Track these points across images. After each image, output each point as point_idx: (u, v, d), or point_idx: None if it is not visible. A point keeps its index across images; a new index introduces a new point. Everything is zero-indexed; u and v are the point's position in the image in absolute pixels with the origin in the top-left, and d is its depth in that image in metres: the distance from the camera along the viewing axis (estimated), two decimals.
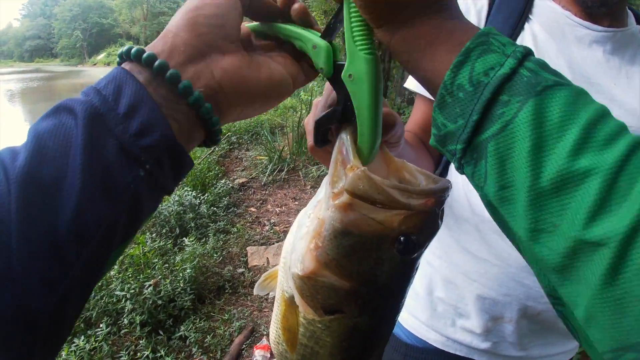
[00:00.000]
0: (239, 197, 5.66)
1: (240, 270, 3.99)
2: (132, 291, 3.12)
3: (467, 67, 0.39)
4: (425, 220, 0.48)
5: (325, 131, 0.56)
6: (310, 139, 0.61)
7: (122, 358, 2.79)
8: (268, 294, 0.72)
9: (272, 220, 5.04)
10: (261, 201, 5.60)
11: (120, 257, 3.44)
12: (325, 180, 0.53)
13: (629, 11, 1.06)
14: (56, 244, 0.37)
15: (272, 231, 4.77)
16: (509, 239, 0.41)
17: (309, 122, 0.64)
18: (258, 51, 0.55)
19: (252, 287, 3.76)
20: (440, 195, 0.48)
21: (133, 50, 0.44)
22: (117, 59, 0.47)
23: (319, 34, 0.53)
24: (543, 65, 0.38)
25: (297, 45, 0.54)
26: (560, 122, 0.35)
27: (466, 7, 1.07)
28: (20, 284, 0.35)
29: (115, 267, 3.34)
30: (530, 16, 1.05)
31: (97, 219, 0.39)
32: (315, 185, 5.98)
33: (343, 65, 0.50)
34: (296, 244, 0.53)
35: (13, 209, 0.36)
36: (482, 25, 1.03)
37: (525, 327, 1.10)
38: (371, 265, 0.48)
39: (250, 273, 3.94)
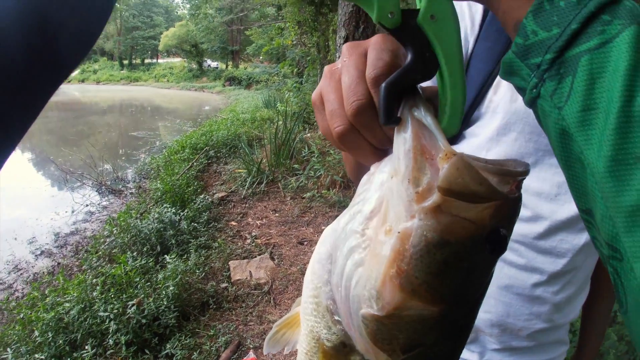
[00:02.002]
0: (219, 211, 5.68)
1: (224, 285, 4.01)
2: (116, 311, 3.12)
3: None
4: (513, 208, 0.41)
5: (395, 102, 0.42)
6: (338, 122, 0.46)
7: None
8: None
9: (253, 233, 5.07)
10: (241, 214, 5.63)
11: (102, 278, 3.45)
12: (379, 180, 0.44)
13: None
14: None
15: (253, 244, 4.80)
16: (570, 175, 0.38)
17: (317, 98, 0.50)
18: None
19: (236, 301, 3.79)
20: (526, 174, 0.41)
21: None
22: None
23: None
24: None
25: None
26: None
27: (460, 9, 1.03)
28: None
29: (98, 287, 3.35)
30: None
31: None
32: (295, 196, 6.03)
33: (411, 10, 0.42)
34: (354, 275, 0.42)
35: None
36: (475, 32, 1.00)
37: (507, 340, 1.11)
38: (463, 277, 0.39)
39: (234, 287, 3.96)
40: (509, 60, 0.40)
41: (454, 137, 1.05)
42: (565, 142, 0.36)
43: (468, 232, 0.37)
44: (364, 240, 0.42)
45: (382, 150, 0.47)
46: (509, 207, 0.39)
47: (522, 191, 1.02)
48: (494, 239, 0.38)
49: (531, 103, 0.39)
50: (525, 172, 0.40)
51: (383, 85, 0.41)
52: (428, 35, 0.41)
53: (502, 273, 1.06)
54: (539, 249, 1.02)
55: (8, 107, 0.39)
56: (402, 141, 0.41)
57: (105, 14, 0.47)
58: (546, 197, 0.98)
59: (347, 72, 0.46)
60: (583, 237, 1.00)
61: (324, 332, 0.47)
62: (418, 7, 0.41)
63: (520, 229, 1.01)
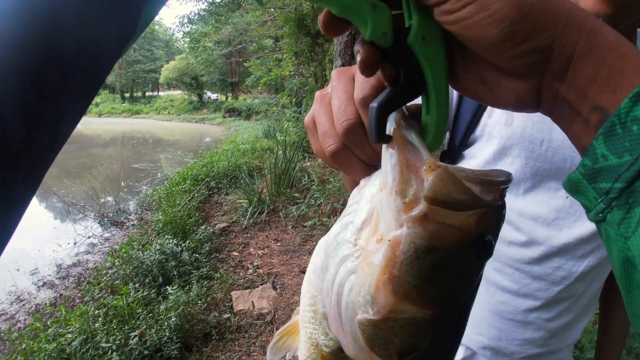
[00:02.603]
0: (220, 242, 5.70)
1: (226, 315, 4.00)
2: (118, 342, 3.12)
3: None
4: (498, 215, 0.42)
5: (385, 121, 0.43)
6: (331, 142, 0.49)
7: None
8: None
9: (255, 263, 5.08)
10: (243, 245, 5.64)
11: (104, 309, 3.45)
12: (370, 193, 0.46)
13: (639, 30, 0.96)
14: None
15: (255, 274, 4.81)
16: (629, 300, 0.37)
17: (310, 121, 0.53)
18: None
19: (239, 332, 3.78)
20: (508, 183, 0.42)
21: None
22: None
23: None
24: None
25: (338, 8, 0.39)
26: None
27: None
28: None
29: (100, 318, 3.35)
30: None
31: None
32: (297, 225, 6.05)
33: (401, 31, 0.41)
34: (346, 282, 0.44)
35: None
36: None
37: None
38: (452, 281, 0.41)
39: (236, 318, 3.95)
40: (575, 180, 0.38)
41: (454, 158, 1.06)
42: (628, 270, 0.35)
43: (454, 238, 0.39)
44: (357, 249, 0.43)
45: (372, 166, 0.49)
46: (493, 215, 0.41)
47: (517, 215, 1.03)
48: (479, 245, 0.40)
49: (595, 223, 0.38)
50: (507, 181, 0.42)
51: (375, 106, 0.42)
52: (418, 56, 0.41)
53: (495, 298, 1.04)
54: (533, 274, 1.00)
55: (10, 179, 0.36)
56: (389, 156, 0.43)
57: (105, 71, 0.44)
58: (543, 221, 0.97)
59: (337, 95, 0.49)
60: (582, 265, 0.97)
61: (322, 339, 0.48)
62: (407, 25, 0.41)
63: (514, 253, 1.00)
